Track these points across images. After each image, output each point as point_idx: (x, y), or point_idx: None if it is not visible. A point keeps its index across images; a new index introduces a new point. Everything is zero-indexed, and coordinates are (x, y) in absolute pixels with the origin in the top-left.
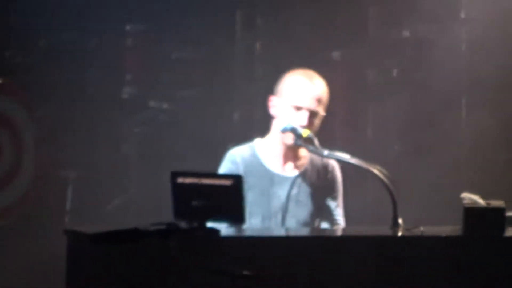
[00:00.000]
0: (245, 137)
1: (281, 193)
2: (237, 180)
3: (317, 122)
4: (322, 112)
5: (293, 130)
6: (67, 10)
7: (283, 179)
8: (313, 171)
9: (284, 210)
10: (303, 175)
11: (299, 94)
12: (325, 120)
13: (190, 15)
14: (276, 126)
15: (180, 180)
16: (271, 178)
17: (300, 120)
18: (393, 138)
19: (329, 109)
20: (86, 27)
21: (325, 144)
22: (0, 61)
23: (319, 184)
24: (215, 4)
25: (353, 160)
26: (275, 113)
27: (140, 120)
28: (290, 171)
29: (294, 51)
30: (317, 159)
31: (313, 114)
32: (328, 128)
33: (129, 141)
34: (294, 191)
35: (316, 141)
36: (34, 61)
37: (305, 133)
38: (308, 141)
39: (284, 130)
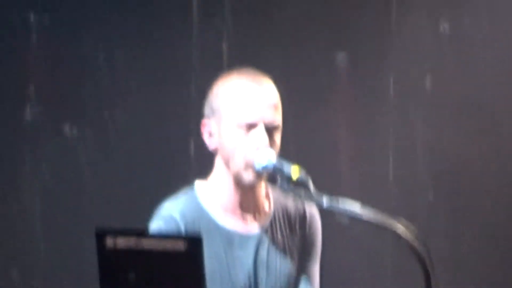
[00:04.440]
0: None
1: (246, 259)
2: (195, 242)
3: (278, 140)
4: (280, 124)
5: (277, 170)
6: None
7: (246, 238)
8: (283, 222)
9: (253, 284)
10: (271, 227)
11: (249, 105)
12: (319, 148)
13: None
14: (219, 163)
15: (109, 242)
16: (228, 240)
17: (257, 141)
18: (425, 178)
19: (327, 135)
20: None
21: (322, 187)
22: None
23: (294, 240)
24: None
25: (366, 213)
26: (215, 144)
27: (50, 154)
28: (252, 225)
29: (279, 48)
30: (283, 203)
31: (271, 129)
32: (326, 161)
33: (33, 187)
34: (263, 253)
35: (311, 186)
36: None
37: (295, 173)
38: (298, 185)
39: (263, 170)
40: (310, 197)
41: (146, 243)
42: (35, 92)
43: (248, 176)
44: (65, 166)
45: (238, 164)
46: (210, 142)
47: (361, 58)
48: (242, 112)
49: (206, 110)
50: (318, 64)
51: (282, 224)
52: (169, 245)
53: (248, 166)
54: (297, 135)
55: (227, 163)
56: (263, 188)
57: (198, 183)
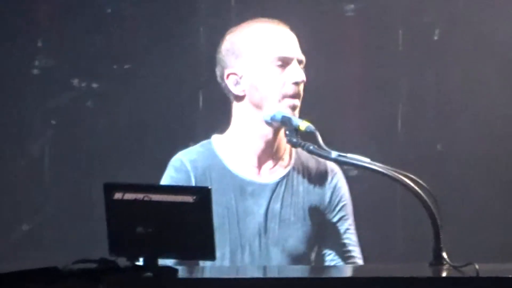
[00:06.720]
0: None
1: (257, 209)
2: (204, 194)
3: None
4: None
5: (286, 121)
6: None
7: (260, 188)
8: (303, 174)
9: (263, 235)
10: (288, 180)
11: (282, 40)
12: (329, 105)
13: None
14: (241, 113)
15: (117, 195)
16: (241, 188)
17: (294, 76)
18: (435, 132)
19: (335, 89)
20: None
21: (331, 142)
22: None
23: (315, 194)
24: None
25: (375, 166)
26: (243, 89)
27: (58, 107)
28: (268, 176)
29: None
30: (308, 158)
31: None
32: (335, 117)
33: (42, 138)
34: (276, 205)
35: (319, 138)
36: None
37: (303, 125)
38: (306, 137)
39: (272, 121)
40: (318, 149)
41: (154, 196)
42: (44, 45)
43: (264, 130)
44: (75, 120)
45: (274, 100)
46: (237, 89)
47: (370, 10)
48: (276, 47)
49: (227, 59)
50: (328, 16)
51: (301, 178)
52: (177, 197)
53: (285, 101)
54: (305, 88)
55: (259, 104)
56: (283, 141)
57: (215, 136)
